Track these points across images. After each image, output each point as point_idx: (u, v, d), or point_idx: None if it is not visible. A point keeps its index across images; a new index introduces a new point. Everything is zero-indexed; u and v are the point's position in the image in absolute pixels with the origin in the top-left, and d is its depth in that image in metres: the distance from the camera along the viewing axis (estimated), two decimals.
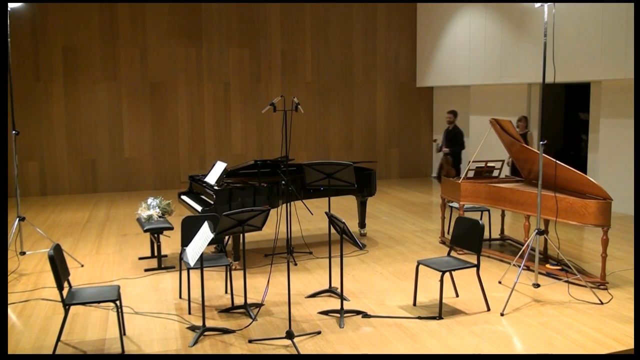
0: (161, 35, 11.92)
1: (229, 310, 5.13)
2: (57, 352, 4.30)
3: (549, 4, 5.31)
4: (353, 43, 13.27)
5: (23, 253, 6.78)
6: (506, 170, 7.58)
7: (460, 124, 10.25)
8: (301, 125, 12.67)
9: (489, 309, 5.10)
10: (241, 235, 4.84)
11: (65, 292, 4.28)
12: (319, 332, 4.64)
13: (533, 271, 5.64)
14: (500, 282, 5.85)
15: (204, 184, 6.75)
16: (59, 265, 4.19)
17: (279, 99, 5.63)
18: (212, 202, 6.36)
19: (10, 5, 6.58)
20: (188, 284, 5.23)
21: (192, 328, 4.74)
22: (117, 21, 11.66)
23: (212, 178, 6.70)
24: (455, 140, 9.74)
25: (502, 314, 5.00)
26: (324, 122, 13.21)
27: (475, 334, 4.59)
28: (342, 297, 4.98)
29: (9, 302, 5.36)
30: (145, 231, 6.35)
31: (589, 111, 9.93)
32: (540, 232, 5.48)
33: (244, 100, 12.56)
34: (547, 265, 6.22)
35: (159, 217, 6.61)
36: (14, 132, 6.68)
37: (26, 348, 4.42)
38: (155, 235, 6.38)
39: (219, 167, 6.71)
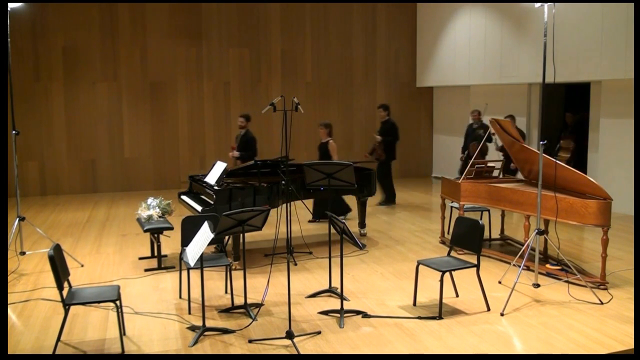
0: (161, 35, 11.91)
1: (229, 310, 5.13)
2: (57, 352, 4.30)
3: (549, 4, 5.31)
4: (353, 43, 13.27)
5: (23, 253, 6.79)
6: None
7: (461, 124, 10.23)
8: (301, 125, 12.66)
9: (489, 309, 5.10)
10: (241, 235, 4.84)
11: (65, 292, 4.29)
12: (319, 332, 4.64)
13: (533, 271, 5.64)
14: (500, 282, 5.85)
15: (204, 184, 6.75)
16: (59, 265, 4.19)
17: (279, 99, 5.62)
18: (212, 202, 6.36)
19: (10, 5, 6.58)
20: (188, 284, 5.23)
21: (192, 328, 4.74)
22: (117, 21, 11.66)
23: (212, 178, 6.70)
24: (246, 145, 8.80)
25: (502, 314, 5.00)
26: None
27: (475, 334, 4.59)
28: (342, 297, 4.98)
29: (9, 302, 5.36)
30: (145, 231, 6.35)
31: (588, 111, 9.92)
32: (540, 232, 5.48)
33: (244, 100, 12.55)
34: (547, 265, 6.22)
35: (159, 217, 6.61)
36: (14, 132, 6.68)
37: (26, 348, 4.42)
38: (155, 235, 6.38)
39: (219, 167, 6.71)
